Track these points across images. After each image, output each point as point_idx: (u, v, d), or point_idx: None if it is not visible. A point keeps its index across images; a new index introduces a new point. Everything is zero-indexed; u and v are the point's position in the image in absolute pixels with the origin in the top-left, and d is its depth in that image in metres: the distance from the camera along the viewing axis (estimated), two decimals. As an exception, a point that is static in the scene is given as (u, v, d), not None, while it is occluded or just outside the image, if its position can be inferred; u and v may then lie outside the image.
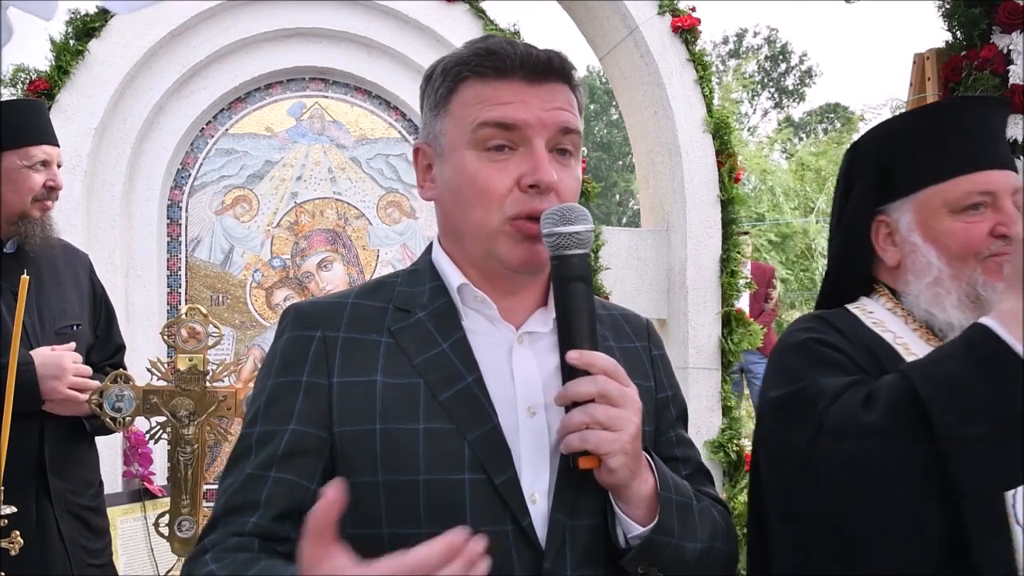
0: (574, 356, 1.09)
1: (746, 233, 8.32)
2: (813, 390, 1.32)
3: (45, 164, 2.47)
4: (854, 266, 1.59)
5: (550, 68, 1.18)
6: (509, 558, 1.10)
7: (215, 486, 3.98)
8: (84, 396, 2.42)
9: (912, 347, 1.45)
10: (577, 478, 1.13)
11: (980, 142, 1.49)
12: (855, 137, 2.08)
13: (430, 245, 1.29)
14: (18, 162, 2.42)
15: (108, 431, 2.56)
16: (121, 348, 2.76)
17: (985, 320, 1.22)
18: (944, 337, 1.43)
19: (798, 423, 1.30)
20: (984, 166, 1.47)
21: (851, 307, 1.56)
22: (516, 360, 1.19)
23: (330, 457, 1.13)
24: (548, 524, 1.12)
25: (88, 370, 2.46)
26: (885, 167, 1.56)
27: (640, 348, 1.33)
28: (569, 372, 1.10)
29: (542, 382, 1.18)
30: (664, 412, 1.31)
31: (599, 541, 1.15)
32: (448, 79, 1.20)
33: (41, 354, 2.36)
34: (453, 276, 1.22)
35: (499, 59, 1.17)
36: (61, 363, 2.37)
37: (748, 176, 14.75)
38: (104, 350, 2.70)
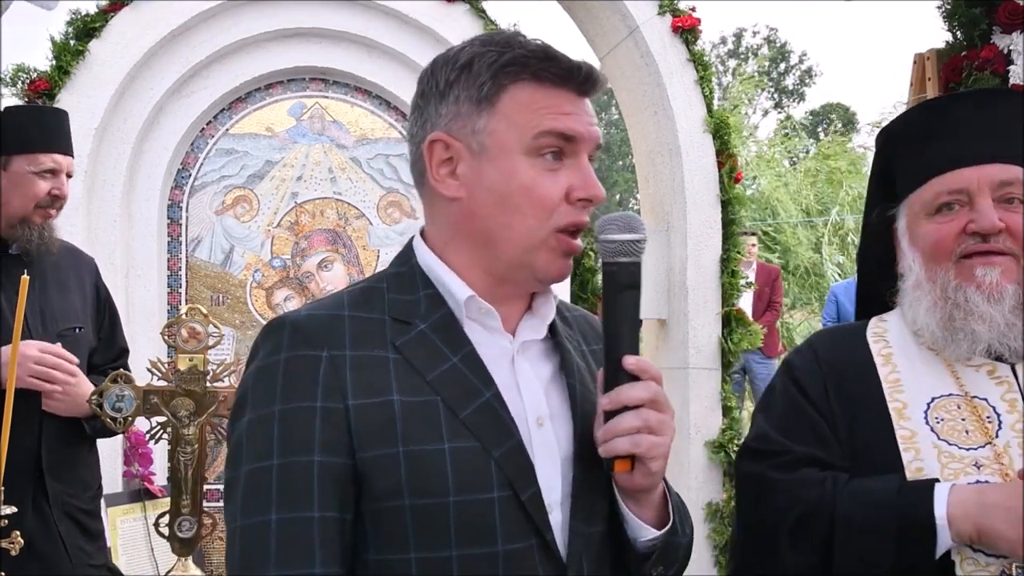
0: (631, 362, 1.11)
1: (753, 234, 8.30)
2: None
3: (53, 172, 2.48)
4: (879, 267, 1.60)
5: (596, 83, 1.18)
6: (535, 574, 1.10)
7: (216, 486, 3.99)
8: (50, 386, 2.34)
9: (895, 356, 1.50)
10: (590, 486, 1.15)
11: (964, 138, 1.46)
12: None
13: (410, 244, 1.23)
14: (26, 167, 2.43)
15: (109, 433, 2.55)
16: (125, 352, 2.76)
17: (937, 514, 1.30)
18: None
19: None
20: (958, 164, 1.44)
21: (877, 318, 1.59)
22: (519, 371, 1.18)
23: (355, 484, 1.08)
24: (568, 535, 1.13)
25: (62, 360, 2.37)
26: (886, 171, 1.57)
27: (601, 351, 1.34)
28: (615, 377, 1.11)
29: (543, 391, 1.18)
30: None
31: (606, 546, 1.18)
32: (500, 75, 1.13)
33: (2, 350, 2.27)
34: (457, 288, 1.16)
35: (560, 66, 1.14)
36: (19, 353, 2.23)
37: (757, 178, 14.41)
38: (107, 353, 2.69)
